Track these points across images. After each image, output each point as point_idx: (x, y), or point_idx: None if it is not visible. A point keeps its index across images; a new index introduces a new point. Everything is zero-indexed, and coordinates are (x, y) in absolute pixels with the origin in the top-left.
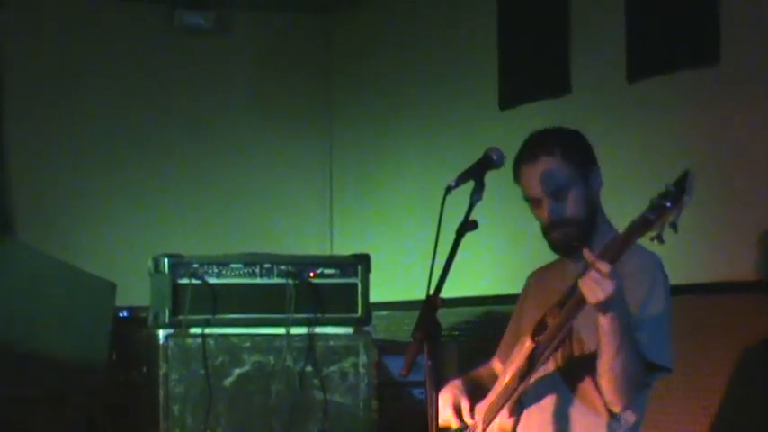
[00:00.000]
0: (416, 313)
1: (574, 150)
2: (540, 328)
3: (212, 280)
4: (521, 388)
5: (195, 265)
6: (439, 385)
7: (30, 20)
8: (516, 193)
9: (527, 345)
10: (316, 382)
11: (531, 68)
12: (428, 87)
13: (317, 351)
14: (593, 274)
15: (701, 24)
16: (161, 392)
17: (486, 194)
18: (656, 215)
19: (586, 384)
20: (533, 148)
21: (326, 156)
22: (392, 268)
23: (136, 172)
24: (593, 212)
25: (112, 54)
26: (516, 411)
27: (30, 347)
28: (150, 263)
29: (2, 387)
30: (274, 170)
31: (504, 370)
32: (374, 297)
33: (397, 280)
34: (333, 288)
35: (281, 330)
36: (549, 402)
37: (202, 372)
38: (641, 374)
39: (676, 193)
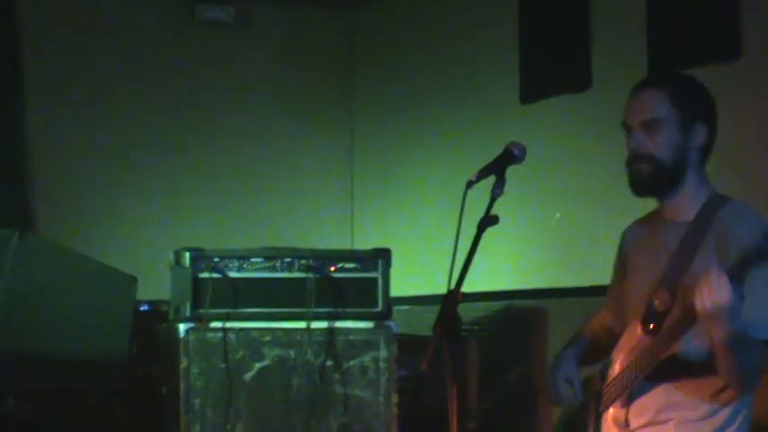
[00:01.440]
0: (437, 308)
1: (685, 96)
2: (649, 313)
3: (233, 274)
4: (633, 384)
5: (216, 259)
6: (459, 379)
7: (50, 16)
8: (536, 188)
9: (638, 333)
10: (336, 376)
11: (553, 63)
12: (449, 82)
13: (338, 345)
14: (711, 278)
15: (722, 20)
16: (181, 386)
17: (506, 189)
18: None
19: (690, 380)
20: (649, 78)
21: (348, 150)
22: (413, 263)
23: (157, 166)
24: (680, 163)
25: (133, 48)
26: (627, 402)
27: (51, 341)
28: (171, 257)
29: (24, 381)
30: (296, 164)
31: (616, 355)
32: (395, 291)
33: (417, 274)
34: (353, 282)
35: (302, 324)
36: (652, 394)
37: (223, 366)
38: (762, 360)
39: None
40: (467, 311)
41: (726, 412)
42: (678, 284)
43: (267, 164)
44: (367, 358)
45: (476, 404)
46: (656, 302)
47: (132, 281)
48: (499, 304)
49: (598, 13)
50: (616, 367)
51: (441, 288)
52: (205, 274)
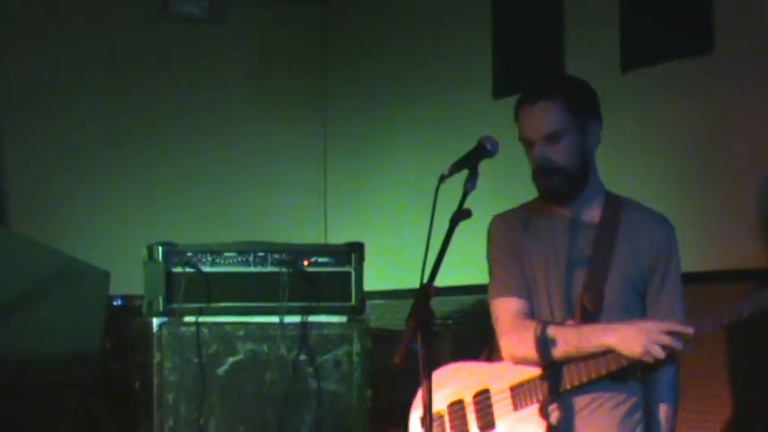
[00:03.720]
0: (410, 302)
1: (575, 99)
2: (583, 315)
3: (206, 268)
4: (560, 390)
5: (189, 254)
6: (432, 373)
7: (24, 9)
8: (509, 183)
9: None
10: (309, 370)
11: (526, 57)
12: (423, 76)
13: (311, 339)
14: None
15: (694, 13)
16: (155, 381)
17: (479, 183)
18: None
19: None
20: (536, 90)
21: (321, 144)
22: (386, 257)
23: (129, 160)
24: (585, 165)
25: (105, 42)
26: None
27: (22, 337)
28: (144, 251)
29: None
30: (269, 159)
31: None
32: (368, 286)
33: (391, 269)
34: (327, 276)
35: (275, 319)
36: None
37: (196, 360)
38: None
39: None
40: (440, 305)
41: (635, 397)
42: (602, 289)
43: (240, 158)
44: (340, 352)
45: None
46: (589, 306)
47: (105, 275)
48: (472, 298)
49: (571, 8)
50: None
51: (414, 282)
52: (178, 269)
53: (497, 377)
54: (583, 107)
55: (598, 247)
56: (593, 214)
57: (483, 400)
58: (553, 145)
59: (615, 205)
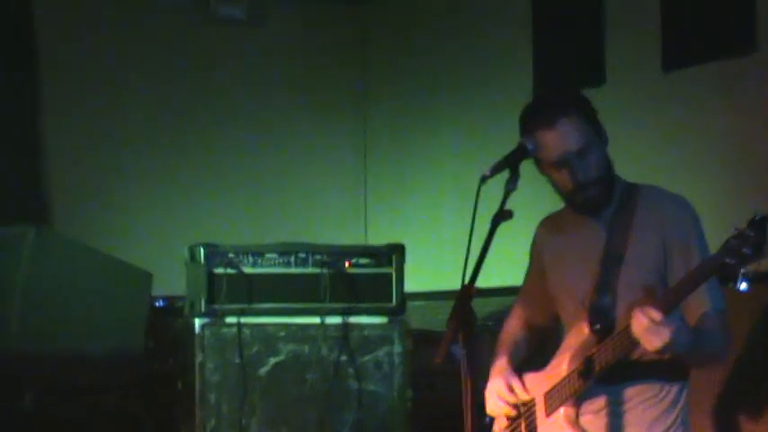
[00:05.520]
0: (451, 303)
1: (585, 109)
2: (593, 313)
3: (248, 269)
4: (584, 387)
5: (231, 255)
6: (473, 374)
7: (68, 10)
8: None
9: (585, 333)
10: (350, 371)
11: (566, 58)
12: (463, 76)
13: (352, 340)
14: (646, 322)
15: (736, 14)
16: (197, 381)
17: (520, 183)
18: (737, 261)
19: (645, 370)
20: (547, 111)
21: (361, 145)
22: (427, 258)
23: (172, 162)
24: (611, 169)
25: (148, 46)
26: (579, 400)
27: (66, 337)
28: (186, 252)
29: (40, 379)
30: (310, 160)
31: (561, 354)
32: (409, 287)
33: (431, 270)
34: (367, 278)
35: (316, 320)
36: (604, 394)
37: (238, 361)
38: (723, 338)
39: (757, 241)
40: (481, 306)
41: (676, 388)
42: (616, 281)
43: (282, 160)
44: (381, 353)
45: None
46: (599, 304)
47: (147, 276)
48: (513, 299)
49: (612, 8)
50: (563, 368)
51: (455, 284)
52: (220, 270)
53: (542, 384)
54: (592, 114)
55: (611, 239)
56: (609, 212)
57: (528, 409)
58: (586, 159)
59: (630, 194)
